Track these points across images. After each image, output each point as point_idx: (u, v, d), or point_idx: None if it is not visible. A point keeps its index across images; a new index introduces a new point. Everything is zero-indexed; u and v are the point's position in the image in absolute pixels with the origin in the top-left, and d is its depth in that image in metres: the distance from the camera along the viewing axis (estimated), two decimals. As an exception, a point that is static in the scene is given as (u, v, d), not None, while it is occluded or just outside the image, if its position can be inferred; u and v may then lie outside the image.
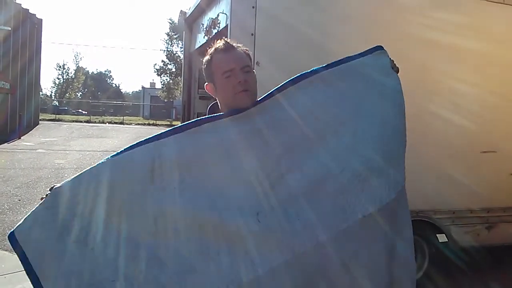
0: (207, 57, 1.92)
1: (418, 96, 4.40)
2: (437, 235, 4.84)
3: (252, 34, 3.80)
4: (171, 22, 39.56)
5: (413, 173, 4.39)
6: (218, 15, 4.57)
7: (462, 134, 4.60)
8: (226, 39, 1.94)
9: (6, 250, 5.68)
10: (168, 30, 39.64)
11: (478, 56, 4.60)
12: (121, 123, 38.28)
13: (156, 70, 41.45)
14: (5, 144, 18.57)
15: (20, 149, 17.12)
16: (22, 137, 21.51)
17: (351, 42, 4.19)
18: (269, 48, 3.74)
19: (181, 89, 26.37)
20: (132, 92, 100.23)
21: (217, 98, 1.94)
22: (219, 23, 4.57)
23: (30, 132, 24.68)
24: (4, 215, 7.36)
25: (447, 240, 4.83)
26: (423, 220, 4.62)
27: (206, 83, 1.94)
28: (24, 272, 1.67)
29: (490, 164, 4.75)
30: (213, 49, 1.91)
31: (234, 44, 1.90)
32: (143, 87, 61.44)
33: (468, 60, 4.60)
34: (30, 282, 1.66)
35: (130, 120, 41.33)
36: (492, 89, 4.70)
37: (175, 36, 39.00)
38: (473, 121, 4.60)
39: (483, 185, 4.70)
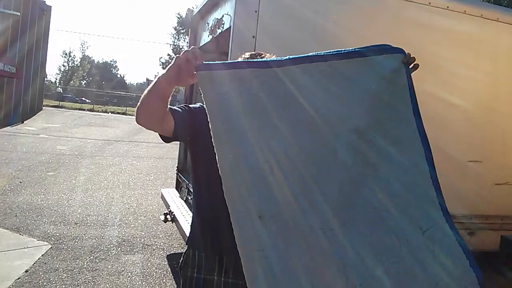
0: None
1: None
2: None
3: (253, 37, 3.99)
4: (179, 16, 39.78)
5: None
6: (222, 16, 4.75)
7: (451, 143, 4.79)
8: (262, 54, 2.08)
9: (6, 229, 5.89)
10: (176, 25, 39.77)
11: (466, 70, 4.79)
12: (124, 113, 38.47)
13: (161, 63, 41.70)
14: (8, 127, 18.81)
15: (22, 133, 17.34)
16: (25, 122, 21.75)
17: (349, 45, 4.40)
18: (269, 51, 3.93)
19: None
20: (136, 83, 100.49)
21: None
22: (223, 23, 4.75)
23: (33, 117, 24.90)
24: (5, 196, 7.57)
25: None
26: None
27: None
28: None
29: (476, 173, 4.94)
30: (245, 55, 2.10)
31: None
32: (147, 79, 61.49)
33: (456, 75, 4.78)
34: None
35: (132, 111, 41.38)
36: (480, 102, 4.90)
37: (182, 31, 39.14)
38: (461, 131, 4.81)
39: (467, 192, 4.90)
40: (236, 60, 1.80)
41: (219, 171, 1.58)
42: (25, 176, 9.45)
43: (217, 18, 5.04)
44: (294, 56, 1.65)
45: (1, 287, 4.25)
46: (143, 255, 5.41)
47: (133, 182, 9.96)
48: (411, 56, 1.66)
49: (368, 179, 1.61)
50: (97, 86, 74.34)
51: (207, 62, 1.63)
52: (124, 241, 5.83)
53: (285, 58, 1.66)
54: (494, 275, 5.41)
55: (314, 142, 1.61)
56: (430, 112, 4.59)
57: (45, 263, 4.89)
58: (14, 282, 4.37)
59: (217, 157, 1.59)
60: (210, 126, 1.61)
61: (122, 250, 5.53)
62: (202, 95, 1.64)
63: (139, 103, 1.82)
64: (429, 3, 4.56)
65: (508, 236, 3.55)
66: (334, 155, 1.59)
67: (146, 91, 1.81)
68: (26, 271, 4.64)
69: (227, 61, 1.73)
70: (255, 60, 1.89)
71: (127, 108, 42.43)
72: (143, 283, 4.65)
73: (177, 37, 40.55)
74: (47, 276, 4.58)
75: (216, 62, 1.63)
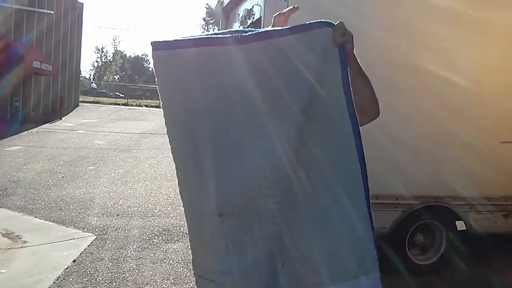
0: None
1: (445, 87, 4.61)
2: (456, 222, 5.05)
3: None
4: (207, 7, 40.01)
5: (433, 161, 4.67)
6: (253, 6, 4.84)
7: (482, 125, 4.76)
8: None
9: (53, 221, 6.19)
10: (205, 15, 40.01)
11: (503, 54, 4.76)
12: (157, 106, 38.89)
13: (192, 55, 41.99)
14: (47, 124, 19.40)
15: (61, 130, 17.88)
16: (63, 118, 22.38)
17: (385, 33, 4.45)
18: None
19: None
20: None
21: None
22: (254, 14, 4.85)
23: (71, 113, 25.59)
24: (50, 190, 7.90)
25: (465, 229, 5.03)
26: (442, 205, 4.84)
27: None
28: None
29: (509, 154, 4.89)
30: None
31: None
32: (179, 72, 62.12)
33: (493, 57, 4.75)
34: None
35: (165, 104, 41.97)
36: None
37: (211, 21, 39.34)
38: (493, 113, 4.76)
39: (501, 174, 4.87)
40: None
41: None
42: (66, 171, 9.80)
43: (247, 9, 5.13)
44: (244, 33, 1.73)
45: (51, 276, 4.50)
46: (183, 243, 5.59)
47: (170, 174, 10.16)
48: (339, 26, 1.69)
49: (301, 157, 1.72)
50: (130, 80, 75.51)
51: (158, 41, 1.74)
52: (164, 231, 6.04)
53: (231, 35, 1.73)
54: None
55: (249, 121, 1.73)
56: (463, 94, 4.60)
57: (91, 253, 5.13)
58: (63, 272, 4.61)
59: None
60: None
61: (163, 239, 5.74)
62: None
63: None
64: None
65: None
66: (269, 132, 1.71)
67: None
68: (74, 261, 4.88)
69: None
70: (202, 37, 1.95)
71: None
72: (185, 269, 4.83)
73: (206, 28, 40.81)
74: (93, 265, 4.81)
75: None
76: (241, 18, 5.45)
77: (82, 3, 28.47)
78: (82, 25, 28.72)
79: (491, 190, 4.94)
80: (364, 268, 1.76)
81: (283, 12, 1.88)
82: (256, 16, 4.74)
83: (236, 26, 5.84)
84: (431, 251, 5.10)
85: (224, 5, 6.54)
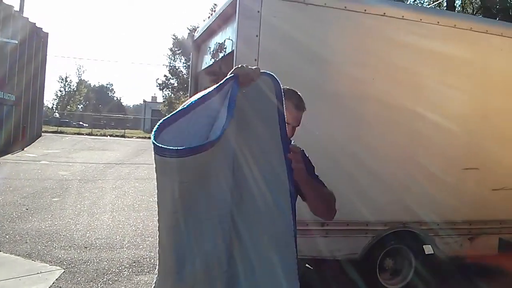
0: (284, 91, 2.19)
1: (408, 118, 4.85)
2: (423, 246, 5.23)
3: (255, 60, 4.22)
4: (174, 38, 40.24)
5: (401, 187, 4.86)
6: (224, 40, 4.99)
7: (447, 152, 5.00)
8: (301, 99, 2.34)
9: (18, 255, 6.02)
10: (172, 46, 40.20)
11: (463, 82, 5.03)
12: (123, 136, 38.65)
13: (158, 85, 42.03)
14: (9, 155, 18.89)
15: (24, 161, 17.44)
16: (25, 149, 21.84)
17: (351, 66, 4.66)
18: (270, 71, 4.15)
19: (182, 104, 27.04)
20: (133, 105, 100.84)
21: None
22: (225, 48, 4.98)
23: (33, 143, 25.02)
24: (14, 223, 7.68)
25: (432, 252, 5.21)
26: (409, 230, 5.00)
27: None
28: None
29: (473, 180, 5.14)
30: (292, 95, 2.31)
31: (304, 107, 2.35)
32: (144, 101, 61.85)
33: (453, 87, 5.01)
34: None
35: (131, 133, 41.70)
36: (475, 112, 5.12)
37: (178, 52, 39.55)
38: (457, 140, 5.02)
39: (466, 199, 5.10)
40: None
41: None
42: (30, 203, 9.55)
43: (218, 43, 5.27)
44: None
45: (20, 312, 4.38)
46: (154, 274, 5.52)
47: (137, 204, 10.08)
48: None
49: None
50: (94, 109, 74.63)
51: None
52: (134, 262, 5.96)
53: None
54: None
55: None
56: (426, 123, 4.84)
57: (60, 287, 5.01)
58: (32, 307, 4.49)
59: None
60: None
61: (133, 271, 5.66)
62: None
63: None
64: (402, 16, 4.81)
65: (505, 239, 3.72)
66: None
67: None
68: (42, 296, 4.77)
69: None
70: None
71: (125, 130, 42.65)
72: (157, 301, 4.77)
73: (173, 58, 40.95)
74: (63, 299, 4.71)
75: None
76: (213, 51, 5.58)
77: (47, 33, 28.21)
78: (46, 54, 28.39)
79: (455, 215, 5.14)
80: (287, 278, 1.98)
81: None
82: (228, 50, 4.88)
83: (208, 59, 5.98)
84: (401, 275, 5.22)
85: (195, 38, 6.68)
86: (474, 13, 18.93)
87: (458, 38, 5.05)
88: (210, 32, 5.82)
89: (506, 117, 5.06)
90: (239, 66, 1.96)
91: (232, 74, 1.92)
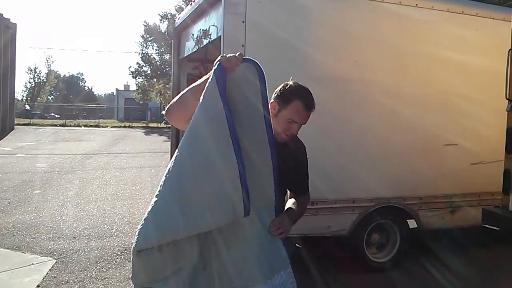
0: (292, 92, 2.35)
1: (391, 98, 5.02)
2: (407, 220, 5.46)
3: (242, 46, 4.30)
4: (145, 25, 39.57)
5: (385, 165, 5.04)
6: (209, 27, 5.03)
7: (428, 130, 5.20)
8: (312, 99, 2.37)
9: (8, 249, 6.01)
10: (143, 33, 39.58)
11: (440, 62, 5.22)
12: (97, 126, 38.12)
13: (131, 73, 41.32)
14: (-17, 149, 18.51)
15: (-1, 154, 17.13)
16: (-1, 142, 21.42)
17: (334, 50, 4.78)
18: (258, 58, 4.21)
19: (156, 91, 26.20)
20: (105, 94, 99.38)
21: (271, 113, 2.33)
22: (210, 34, 5.03)
23: (6, 136, 24.47)
24: (-2, 217, 7.64)
25: (416, 226, 5.44)
26: (394, 206, 5.21)
27: (273, 100, 2.36)
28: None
29: (452, 156, 5.37)
30: (303, 93, 2.36)
31: (314, 104, 2.38)
32: (117, 89, 60.91)
33: (431, 66, 5.21)
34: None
35: (105, 123, 41.15)
36: (454, 91, 5.32)
37: (150, 39, 38.99)
38: (437, 118, 5.22)
39: (446, 174, 5.34)
40: None
41: None
42: (12, 196, 9.45)
43: (203, 29, 5.30)
44: None
45: (17, 303, 4.42)
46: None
47: (121, 193, 10.09)
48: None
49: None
50: (64, 100, 73.18)
51: None
52: (126, 249, 6.03)
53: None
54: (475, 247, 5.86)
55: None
56: (407, 102, 5.01)
57: (55, 277, 5.06)
58: (29, 297, 4.54)
59: None
60: None
61: (126, 258, 5.73)
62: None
63: (176, 99, 2.14)
64: (400, 2, 4.95)
65: (488, 208, 3.93)
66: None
67: (187, 89, 2.13)
68: (38, 286, 4.80)
69: None
70: None
71: (100, 120, 42.06)
72: (153, 286, 4.87)
73: (145, 45, 40.31)
74: (59, 288, 4.77)
75: None
76: (196, 38, 5.61)
77: (15, 23, 27.49)
78: (15, 46, 27.70)
79: (437, 190, 5.37)
80: (275, 270, 2.15)
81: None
82: (213, 37, 4.93)
83: (191, 46, 6.00)
84: (386, 249, 5.45)
85: (176, 26, 6.68)
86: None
87: (435, 20, 5.22)
88: (193, 18, 5.85)
89: (483, 95, 5.27)
90: (222, 55, 2.06)
91: (217, 62, 2.02)
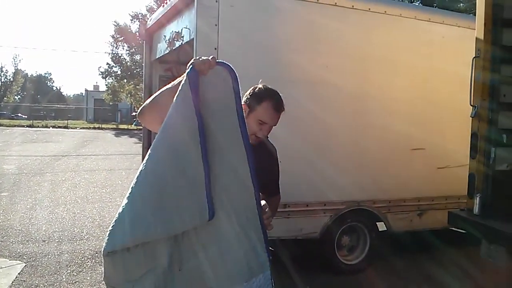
0: (262, 93, 2.41)
1: (360, 102, 5.13)
2: (376, 223, 5.58)
3: (215, 48, 4.32)
4: (116, 24, 39.08)
5: (355, 168, 5.14)
6: (181, 29, 5.04)
7: (396, 134, 5.33)
8: (281, 100, 2.42)
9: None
10: (114, 33, 39.06)
11: (405, 67, 5.37)
12: (66, 127, 37.47)
13: (101, 73, 40.71)
14: None
15: (-37, 155, 16.66)
16: (-37, 143, 20.84)
17: (306, 51, 4.85)
18: (231, 61, 4.25)
19: (126, 92, 25.85)
20: (74, 95, 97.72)
21: None
22: (183, 36, 5.04)
23: (-29, 138, 23.88)
24: (-37, 220, 7.44)
25: (385, 229, 5.57)
26: (364, 209, 5.31)
27: (243, 103, 2.34)
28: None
29: (420, 160, 5.52)
30: (272, 95, 2.41)
31: (283, 105, 2.42)
32: (86, 90, 59.90)
33: (395, 72, 5.36)
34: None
35: (74, 124, 40.48)
36: (420, 95, 5.47)
37: (120, 39, 38.51)
38: (405, 123, 5.34)
39: (414, 177, 5.48)
40: None
41: None
42: (-21, 198, 9.24)
43: (175, 31, 5.30)
44: None
45: (-16, 308, 4.33)
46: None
47: (91, 196, 9.96)
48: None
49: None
50: (32, 100, 71.62)
51: None
52: (97, 253, 5.95)
53: None
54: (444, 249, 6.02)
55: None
56: (376, 107, 5.13)
57: (24, 281, 4.97)
58: (-3, 302, 4.45)
59: None
60: None
61: (97, 261, 5.66)
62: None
63: (150, 101, 2.13)
64: (352, 6, 5.07)
65: (454, 211, 4.05)
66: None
67: (161, 90, 2.12)
68: (7, 290, 4.72)
69: None
70: None
71: (68, 121, 41.32)
72: (125, 289, 4.83)
73: (115, 45, 39.76)
74: (28, 292, 4.68)
75: None
76: (169, 40, 5.61)
77: (-20, 21, 26.80)
78: (-20, 44, 26.98)
79: (405, 193, 5.50)
80: (254, 273, 2.13)
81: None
82: (186, 39, 4.94)
83: (163, 48, 5.99)
84: (357, 251, 5.55)
85: (148, 27, 6.65)
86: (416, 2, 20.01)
87: (403, 27, 5.36)
88: (164, 20, 5.84)
89: (449, 101, 5.42)
90: (196, 58, 2.07)
91: (190, 65, 2.03)
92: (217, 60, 2.07)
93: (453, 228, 4.85)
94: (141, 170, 2.00)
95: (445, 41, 5.56)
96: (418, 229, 5.75)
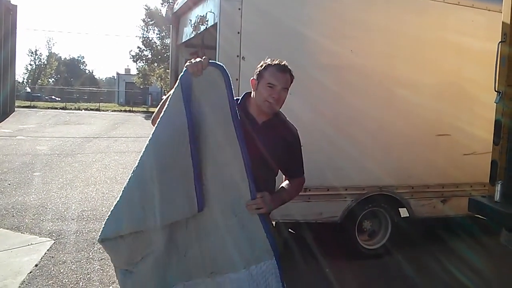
0: (266, 63, 2.48)
1: (387, 87, 5.08)
2: (399, 209, 5.55)
3: (238, 32, 4.34)
4: (147, 8, 39.46)
5: (378, 153, 5.11)
6: (206, 13, 5.07)
7: (422, 120, 5.26)
8: (285, 64, 2.48)
9: (7, 229, 6.12)
10: (144, 16, 39.43)
11: (433, 51, 5.27)
12: (97, 109, 38.17)
13: (132, 57, 41.25)
14: (-17, 131, 18.59)
15: (-1, 136, 17.22)
16: (-1, 124, 21.50)
17: (331, 35, 4.82)
18: (253, 45, 4.30)
19: (157, 76, 26.14)
20: (106, 78, 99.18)
21: (253, 92, 2.52)
22: (207, 20, 5.07)
23: (7, 119, 24.57)
24: (-3, 198, 7.74)
25: (408, 215, 5.53)
26: (386, 194, 5.29)
27: (253, 78, 2.50)
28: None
29: (445, 146, 5.44)
30: (275, 62, 2.48)
31: (288, 68, 2.48)
32: (117, 73, 60.77)
33: (424, 56, 5.27)
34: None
35: (106, 107, 41.19)
36: (447, 82, 5.37)
37: (151, 22, 38.84)
38: (431, 109, 5.27)
39: (438, 163, 5.40)
40: None
41: None
42: (12, 178, 9.55)
43: (200, 15, 5.34)
44: None
45: (16, 281, 4.52)
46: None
47: (119, 177, 10.17)
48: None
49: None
50: (65, 83, 73.10)
51: None
52: (123, 232, 6.12)
53: None
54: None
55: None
56: (402, 92, 5.06)
57: (52, 257, 5.18)
58: (27, 276, 4.64)
59: None
60: None
61: (123, 240, 5.82)
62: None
63: (158, 108, 2.36)
64: None
65: (474, 197, 4.00)
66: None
67: (167, 96, 2.36)
68: (36, 265, 4.91)
69: None
70: None
71: (100, 104, 42.06)
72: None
73: (146, 29, 40.15)
74: (57, 268, 4.87)
75: None
76: (194, 24, 5.65)
77: (16, 5, 27.38)
78: (16, 27, 27.61)
79: (429, 179, 5.45)
80: (255, 260, 2.25)
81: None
82: (210, 23, 4.97)
83: (189, 32, 6.04)
84: (378, 237, 5.54)
85: (174, 11, 6.71)
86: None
87: (431, 11, 5.25)
88: (191, 4, 5.88)
89: (476, 87, 5.31)
90: (189, 61, 2.27)
91: (184, 69, 2.23)
92: (211, 61, 2.25)
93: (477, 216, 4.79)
94: (135, 166, 2.20)
95: (475, 25, 5.42)
96: (441, 216, 5.70)
